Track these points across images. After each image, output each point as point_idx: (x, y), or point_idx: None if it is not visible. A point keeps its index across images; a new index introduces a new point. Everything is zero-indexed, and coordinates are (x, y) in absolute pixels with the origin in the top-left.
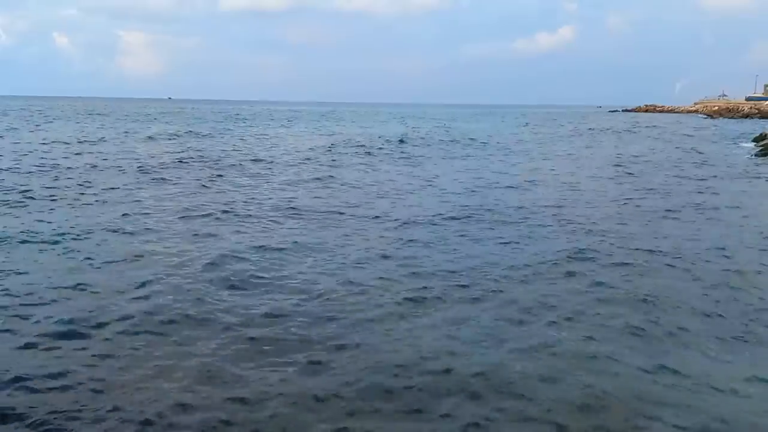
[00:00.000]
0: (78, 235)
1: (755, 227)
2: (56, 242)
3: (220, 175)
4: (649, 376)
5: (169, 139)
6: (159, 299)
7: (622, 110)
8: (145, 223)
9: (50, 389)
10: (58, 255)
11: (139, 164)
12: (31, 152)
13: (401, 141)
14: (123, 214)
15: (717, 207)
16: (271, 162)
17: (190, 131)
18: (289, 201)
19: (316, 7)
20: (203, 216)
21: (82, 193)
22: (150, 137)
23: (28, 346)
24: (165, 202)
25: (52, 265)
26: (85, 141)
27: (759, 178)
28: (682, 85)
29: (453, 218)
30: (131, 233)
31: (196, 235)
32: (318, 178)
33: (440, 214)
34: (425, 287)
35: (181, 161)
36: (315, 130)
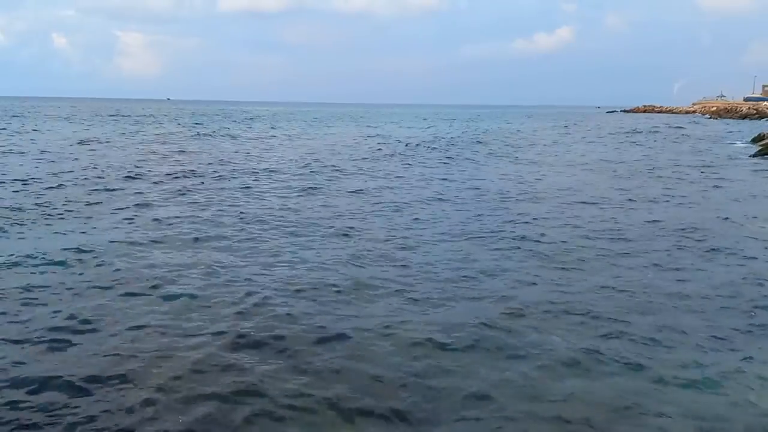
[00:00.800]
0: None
1: (760, 227)
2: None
3: (256, 180)
4: (647, 377)
5: (198, 139)
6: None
7: (621, 111)
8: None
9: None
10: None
11: (184, 169)
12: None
13: (433, 141)
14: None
15: (723, 211)
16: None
17: (214, 131)
18: (345, 220)
19: (315, 8)
20: (247, 228)
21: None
22: (180, 135)
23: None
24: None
25: (62, 286)
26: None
27: (756, 179)
28: (680, 85)
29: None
30: (155, 246)
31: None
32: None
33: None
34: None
35: (219, 165)
36: (333, 131)
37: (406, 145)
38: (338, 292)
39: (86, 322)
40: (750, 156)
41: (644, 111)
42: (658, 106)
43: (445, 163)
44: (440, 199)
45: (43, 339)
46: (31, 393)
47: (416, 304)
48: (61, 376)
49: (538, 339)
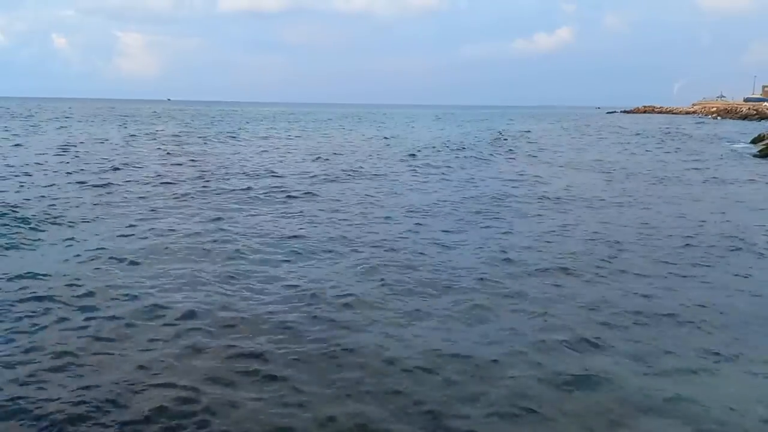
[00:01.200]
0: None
1: (760, 229)
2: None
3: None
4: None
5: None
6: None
7: (621, 111)
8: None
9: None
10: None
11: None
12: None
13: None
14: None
15: (724, 213)
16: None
17: (216, 133)
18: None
19: (315, 8)
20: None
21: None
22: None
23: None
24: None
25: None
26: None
27: (755, 181)
28: (680, 85)
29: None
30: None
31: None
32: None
33: None
34: None
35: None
36: (335, 132)
37: (411, 146)
38: (347, 302)
39: (85, 332)
40: (751, 156)
41: (644, 111)
42: (658, 106)
43: (451, 161)
44: (444, 202)
45: (43, 350)
46: (32, 403)
47: (420, 310)
48: (60, 392)
49: (544, 342)
